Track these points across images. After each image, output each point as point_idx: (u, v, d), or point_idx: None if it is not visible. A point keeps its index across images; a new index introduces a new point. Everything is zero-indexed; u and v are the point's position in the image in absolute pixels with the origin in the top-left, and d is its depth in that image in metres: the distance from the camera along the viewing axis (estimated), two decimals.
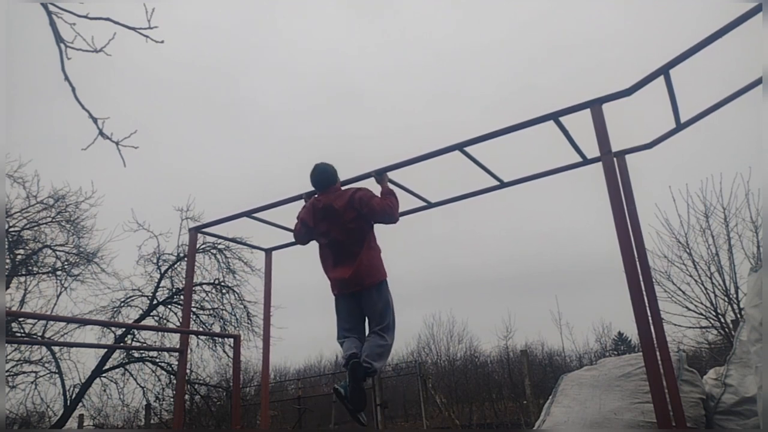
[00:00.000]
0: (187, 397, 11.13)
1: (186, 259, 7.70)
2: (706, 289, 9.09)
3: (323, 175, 4.14)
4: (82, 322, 10.56)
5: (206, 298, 11.75)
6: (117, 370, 11.16)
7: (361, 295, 3.92)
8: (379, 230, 4.14)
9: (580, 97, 3.58)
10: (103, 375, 10.94)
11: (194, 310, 11.24)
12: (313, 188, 4.27)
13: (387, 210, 3.94)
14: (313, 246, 4.40)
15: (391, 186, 4.29)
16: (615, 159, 3.61)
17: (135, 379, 11.24)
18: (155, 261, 11.54)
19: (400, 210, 5.04)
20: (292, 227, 5.47)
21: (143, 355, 11.26)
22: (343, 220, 3.92)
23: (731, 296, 8.82)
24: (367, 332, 3.97)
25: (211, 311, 11.67)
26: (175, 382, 10.69)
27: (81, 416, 11.66)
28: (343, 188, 4.18)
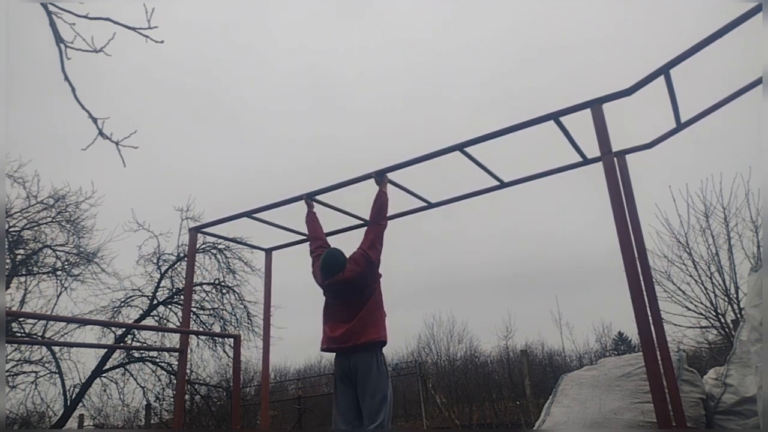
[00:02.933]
0: (187, 397, 11.13)
1: (186, 259, 7.70)
2: (706, 289, 9.09)
3: (332, 267, 3.94)
4: (82, 322, 10.55)
5: (206, 298, 11.76)
6: (117, 370, 11.15)
7: (355, 360, 3.73)
8: None
9: (571, 100, 3.59)
10: (103, 375, 10.94)
11: (194, 310, 11.24)
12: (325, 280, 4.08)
13: (374, 242, 3.93)
14: None
15: (389, 188, 4.29)
16: (615, 159, 3.61)
17: (135, 379, 11.24)
18: (155, 261, 11.56)
19: (401, 210, 5.08)
20: (293, 228, 5.51)
21: (143, 355, 11.26)
22: (347, 287, 3.87)
23: (731, 296, 8.82)
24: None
25: (211, 311, 11.68)
26: (175, 382, 10.69)
27: (81, 416, 11.66)
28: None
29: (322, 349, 3.97)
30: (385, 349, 3.93)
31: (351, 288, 3.87)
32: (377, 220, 4.06)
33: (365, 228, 4.18)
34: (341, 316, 3.88)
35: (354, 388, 3.78)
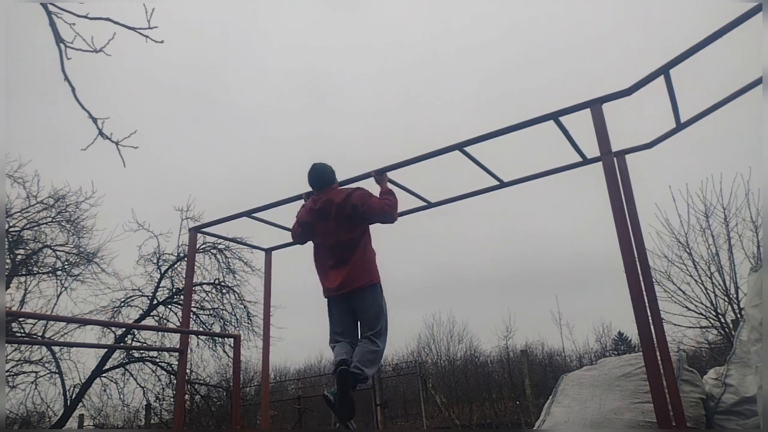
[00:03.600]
0: (187, 397, 11.13)
1: (186, 259, 7.70)
2: (706, 289, 9.09)
3: (321, 174, 4.11)
4: (82, 322, 10.55)
5: (206, 298, 11.75)
6: (117, 370, 11.15)
7: (353, 297, 3.86)
8: (380, 231, 4.13)
9: (570, 100, 3.59)
10: (103, 375, 10.93)
11: (194, 310, 11.23)
12: (311, 188, 4.24)
13: (386, 209, 3.92)
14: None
15: (390, 186, 4.29)
16: (615, 159, 3.61)
17: (135, 379, 11.24)
18: (155, 261, 11.55)
19: (401, 210, 5.07)
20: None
21: (143, 355, 11.25)
22: (340, 218, 3.88)
23: (731, 296, 8.81)
24: (359, 336, 3.90)
25: (211, 311, 11.67)
26: (175, 382, 10.69)
27: (81, 416, 11.65)
28: (341, 188, 4.16)
29: (325, 296, 4.03)
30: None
31: (342, 216, 3.87)
32: (393, 210, 3.99)
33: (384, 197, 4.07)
34: (333, 260, 3.93)
35: (348, 303, 3.89)
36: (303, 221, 4.16)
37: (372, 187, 4.29)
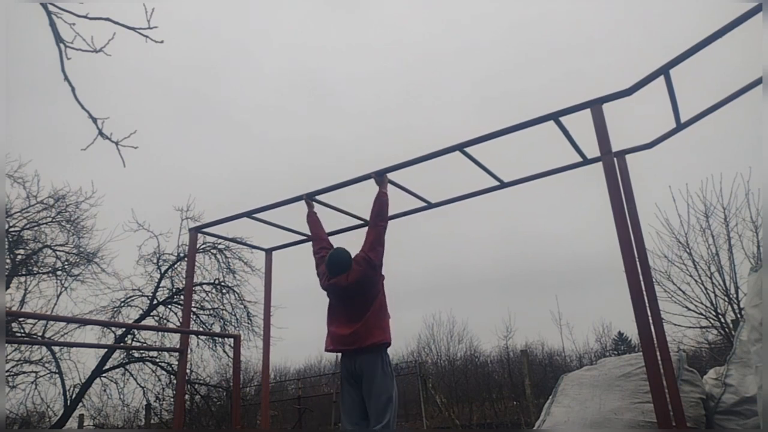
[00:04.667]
0: (187, 397, 11.13)
1: (186, 259, 7.70)
2: (706, 289, 9.08)
3: (338, 260, 3.98)
4: (82, 322, 10.54)
5: (206, 298, 11.75)
6: (117, 370, 11.15)
7: (360, 362, 3.75)
8: None
9: (570, 100, 3.59)
10: (103, 375, 10.93)
11: (194, 310, 11.23)
12: (328, 273, 4.09)
13: (375, 243, 3.93)
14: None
15: (389, 188, 4.29)
16: (615, 159, 3.61)
17: (135, 379, 11.23)
18: (155, 261, 11.55)
19: (402, 210, 5.08)
20: (293, 228, 5.51)
21: (143, 355, 11.25)
22: (352, 289, 3.87)
23: (731, 296, 8.81)
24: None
25: (211, 311, 11.67)
26: (175, 382, 10.69)
27: (81, 416, 11.65)
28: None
29: (327, 350, 3.98)
30: None
31: (355, 291, 3.87)
32: (377, 221, 4.06)
33: (366, 229, 4.18)
34: (346, 318, 3.88)
35: (359, 388, 3.80)
36: (321, 283, 4.15)
37: (372, 187, 4.29)
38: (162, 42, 3.99)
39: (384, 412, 3.67)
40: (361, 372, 3.76)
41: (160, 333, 11.27)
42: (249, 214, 5.14)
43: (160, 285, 11.51)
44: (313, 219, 4.63)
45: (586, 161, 4.31)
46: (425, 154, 4.21)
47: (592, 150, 3.97)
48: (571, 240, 29.26)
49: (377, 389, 3.70)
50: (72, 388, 10.60)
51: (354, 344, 3.77)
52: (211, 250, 11.71)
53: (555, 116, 3.71)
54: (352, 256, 3.99)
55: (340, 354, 3.99)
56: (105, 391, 11.08)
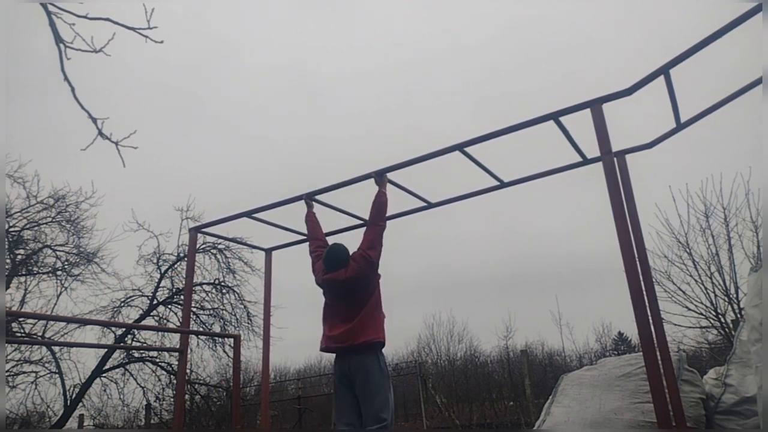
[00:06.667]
0: (187, 397, 11.12)
1: (186, 259, 7.70)
2: (706, 289, 9.08)
3: (336, 255, 3.98)
4: (82, 322, 10.54)
5: (206, 298, 11.75)
6: (117, 370, 11.15)
7: (355, 361, 3.73)
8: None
9: (569, 100, 3.59)
10: (103, 375, 10.93)
11: (194, 310, 11.23)
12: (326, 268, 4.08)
13: (373, 242, 3.94)
14: None
15: (388, 188, 4.29)
16: (615, 159, 3.61)
17: (135, 379, 11.24)
18: (155, 261, 11.55)
19: (401, 210, 5.08)
20: (293, 228, 5.51)
21: (143, 355, 11.26)
22: (348, 293, 3.87)
23: (731, 296, 8.81)
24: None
25: (211, 311, 11.68)
26: (175, 382, 10.69)
27: (81, 416, 11.66)
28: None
29: (321, 349, 3.98)
30: (385, 349, 3.92)
31: (351, 288, 3.86)
32: (376, 221, 4.06)
33: (364, 228, 4.18)
34: (341, 316, 3.88)
35: (353, 388, 3.77)
36: (317, 279, 4.14)
37: (371, 187, 4.29)
38: (162, 42, 3.99)
39: (381, 411, 3.64)
40: (356, 372, 3.73)
41: (160, 333, 11.27)
42: (248, 214, 5.14)
43: (160, 285, 11.52)
44: (311, 219, 4.63)
45: (586, 161, 4.31)
46: (425, 153, 4.21)
47: (592, 150, 3.97)
48: (571, 240, 29.25)
49: (373, 389, 3.67)
50: (72, 388, 10.61)
51: (347, 341, 3.75)
52: (211, 250, 11.72)
53: (555, 116, 3.71)
54: (350, 253, 3.99)
55: (334, 355, 3.98)
56: (105, 391, 11.09)
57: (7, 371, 9.81)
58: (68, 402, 10.45)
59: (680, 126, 3.96)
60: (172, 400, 11.37)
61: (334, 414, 3.93)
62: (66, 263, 11.06)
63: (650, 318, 3.16)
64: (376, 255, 3.94)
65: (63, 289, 10.89)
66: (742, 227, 8.70)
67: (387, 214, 4.17)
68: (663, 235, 9.49)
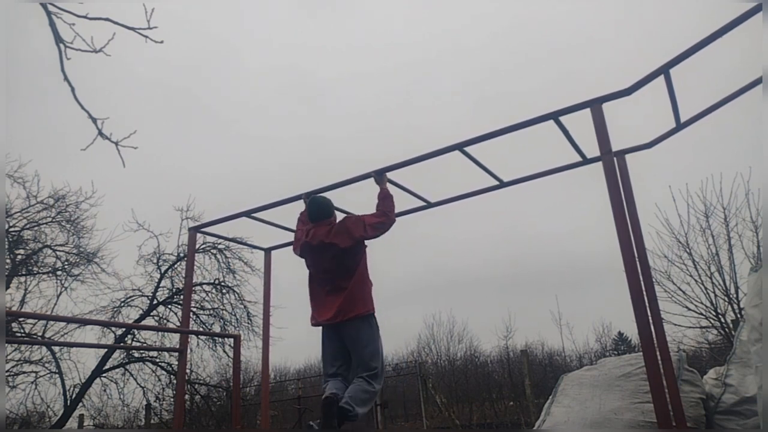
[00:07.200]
0: (187, 397, 11.13)
1: (186, 259, 7.70)
2: (706, 289, 9.09)
3: (318, 207, 4.07)
4: (82, 322, 10.55)
5: (206, 298, 11.75)
6: (117, 370, 11.15)
7: (346, 328, 3.75)
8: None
9: (569, 100, 3.59)
10: (103, 375, 10.93)
11: (194, 310, 11.23)
12: (310, 220, 4.15)
13: (377, 226, 3.91)
14: None
15: (389, 186, 4.28)
16: (615, 159, 3.61)
17: (135, 379, 11.24)
18: (155, 261, 11.55)
19: (401, 210, 5.07)
20: (292, 227, 5.50)
21: (143, 355, 11.26)
22: (335, 254, 3.84)
23: (731, 296, 8.81)
24: (354, 375, 3.75)
25: (211, 311, 11.68)
26: (175, 382, 10.69)
27: (81, 416, 11.65)
28: (336, 222, 4.04)
29: (313, 324, 3.96)
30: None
31: (333, 253, 3.83)
32: (389, 214, 4.00)
33: (376, 207, 4.09)
34: (328, 289, 3.86)
35: (342, 340, 3.80)
36: (301, 248, 4.12)
37: (372, 187, 4.29)
38: (162, 42, 3.99)
39: (372, 360, 3.68)
40: (347, 338, 3.76)
41: (160, 333, 11.27)
42: (248, 214, 5.14)
43: (160, 285, 11.52)
44: (303, 217, 4.60)
45: (585, 161, 4.31)
46: (425, 153, 4.20)
47: (592, 150, 3.97)
48: (571, 240, 29.27)
49: (363, 341, 3.71)
50: (72, 388, 10.61)
51: (337, 317, 3.76)
52: (211, 250, 11.72)
53: (555, 116, 3.71)
54: (345, 217, 3.98)
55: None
56: (105, 391, 11.10)
57: (7, 371, 9.81)
58: (68, 402, 10.45)
59: (680, 126, 3.95)
60: (172, 400, 11.37)
61: (322, 362, 3.93)
62: (66, 263, 11.07)
63: (650, 318, 3.16)
64: (374, 236, 3.91)
65: (63, 289, 10.90)
66: (742, 227, 8.71)
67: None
68: (663, 235, 9.51)
